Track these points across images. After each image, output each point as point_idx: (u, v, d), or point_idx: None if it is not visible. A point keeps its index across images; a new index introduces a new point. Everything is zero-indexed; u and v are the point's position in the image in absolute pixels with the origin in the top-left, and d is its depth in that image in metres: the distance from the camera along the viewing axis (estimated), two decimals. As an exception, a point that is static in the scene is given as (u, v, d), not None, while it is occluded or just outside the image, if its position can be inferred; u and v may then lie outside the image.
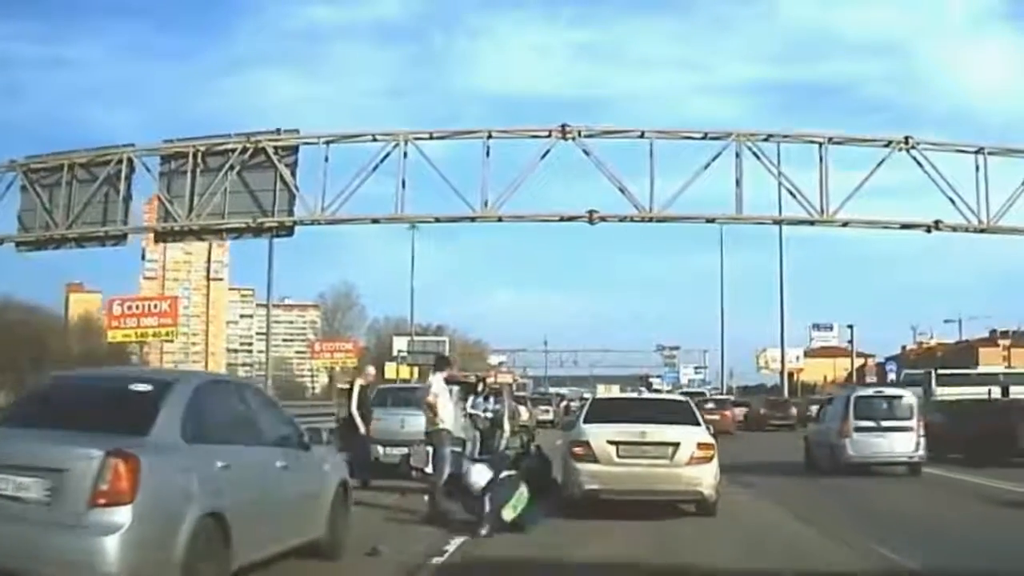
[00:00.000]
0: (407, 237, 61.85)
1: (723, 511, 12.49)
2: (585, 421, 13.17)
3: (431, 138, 24.69)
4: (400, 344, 65.48)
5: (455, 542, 10.23)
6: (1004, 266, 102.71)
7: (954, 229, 24.51)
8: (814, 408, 30.59)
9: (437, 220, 26.03)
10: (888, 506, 14.87)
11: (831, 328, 79.51)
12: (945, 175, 23.85)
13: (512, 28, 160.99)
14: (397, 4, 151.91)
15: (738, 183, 24.00)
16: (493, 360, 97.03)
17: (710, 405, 40.67)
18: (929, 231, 24.64)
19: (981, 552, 9.91)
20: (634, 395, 19.49)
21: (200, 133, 25.31)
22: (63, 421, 6.40)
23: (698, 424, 13.00)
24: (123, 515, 5.67)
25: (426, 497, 12.30)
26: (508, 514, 10.69)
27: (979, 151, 23.98)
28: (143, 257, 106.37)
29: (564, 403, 57.37)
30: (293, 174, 24.50)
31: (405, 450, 15.63)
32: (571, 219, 24.90)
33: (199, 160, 24.55)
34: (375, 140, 24.48)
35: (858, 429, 19.86)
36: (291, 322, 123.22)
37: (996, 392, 36.94)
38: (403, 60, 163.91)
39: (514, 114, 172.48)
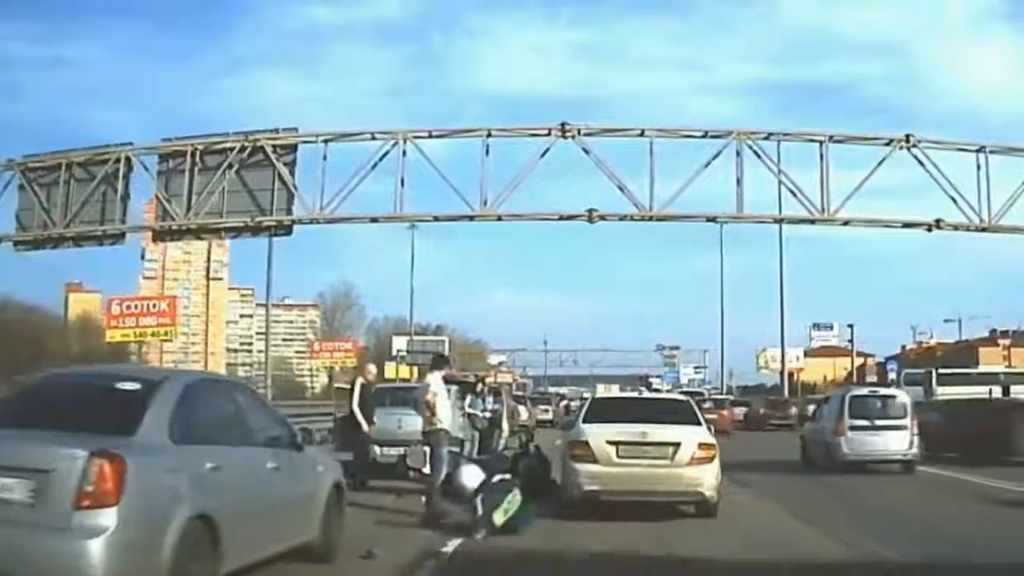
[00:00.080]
0: (407, 237, 61.87)
1: (721, 509, 12.41)
2: (584, 421, 13.02)
3: (430, 137, 24.63)
4: (399, 344, 65.39)
5: (451, 544, 10.09)
6: (1004, 266, 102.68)
7: (955, 228, 24.46)
8: (811, 408, 30.65)
9: (436, 219, 25.96)
10: (881, 503, 15.03)
11: (831, 328, 79.46)
12: (946, 174, 23.88)
13: (512, 28, 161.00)
14: (397, 4, 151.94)
15: (739, 182, 23.96)
16: (493, 360, 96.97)
17: (707, 405, 40.61)
18: (930, 230, 24.60)
19: (971, 548, 9.89)
20: (634, 395, 19.35)
21: (200, 133, 25.28)
22: (49, 420, 6.26)
23: (699, 424, 12.86)
24: (108, 517, 5.53)
25: (423, 498, 12.15)
26: (499, 518, 10.54)
27: (980, 150, 23.93)
28: (143, 257, 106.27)
29: (564, 403, 57.33)
30: (292, 173, 24.45)
31: (402, 450, 15.57)
32: (571, 218, 24.85)
33: (197, 159, 24.52)
34: (374, 139, 24.41)
35: (853, 428, 20.21)
36: (291, 322, 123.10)
37: (997, 392, 36.90)
38: (403, 60, 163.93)
39: (514, 114, 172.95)
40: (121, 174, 24.72)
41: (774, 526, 12.31)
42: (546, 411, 48.83)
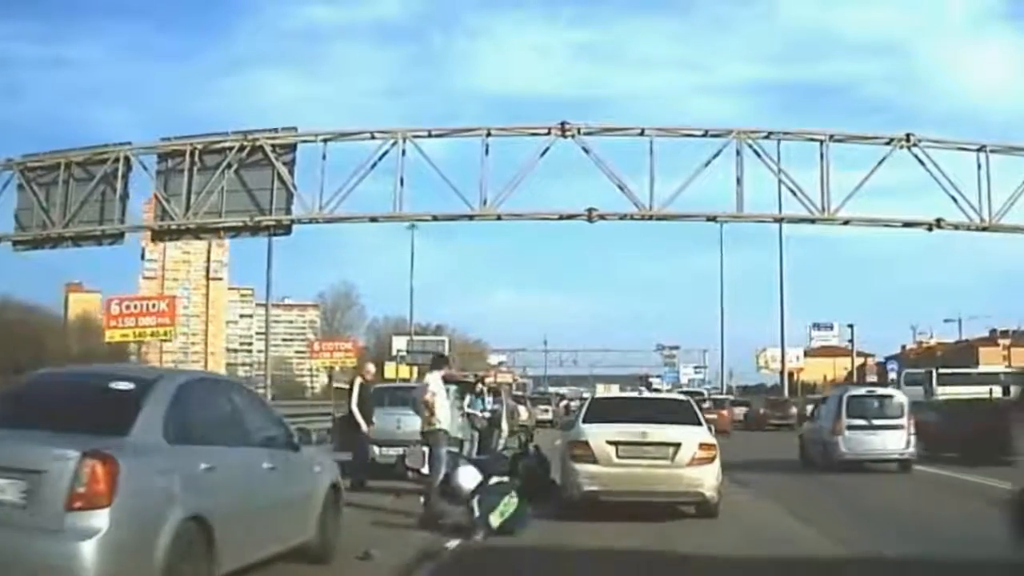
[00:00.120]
0: (407, 237, 61.81)
1: (720, 508, 12.38)
2: (584, 421, 12.94)
3: (430, 136, 24.57)
4: (399, 344, 65.33)
5: (449, 546, 10.03)
6: (1004, 266, 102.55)
7: (956, 227, 24.41)
8: (810, 408, 30.76)
9: (435, 218, 25.90)
10: (878, 501, 15.17)
11: (831, 328, 79.39)
12: (947, 173, 23.81)
13: (512, 28, 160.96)
14: (396, 4, 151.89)
15: (739, 181, 23.91)
16: (493, 360, 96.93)
17: (707, 405, 40.55)
18: (931, 229, 24.56)
19: (967, 545, 9.92)
20: (634, 394, 19.30)
21: (199, 133, 25.23)
22: (41, 420, 6.18)
23: (700, 424, 12.79)
24: (100, 519, 5.45)
25: (421, 499, 12.09)
26: (495, 520, 10.47)
27: (981, 149, 23.88)
28: (142, 257, 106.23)
29: (564, 403, 57.27)
30: (291, 172, 24.40)
31: (401, 450, 15.50)
32: (570, 217, 24.80)
33: (196, 158, 24.48)
34: (373, 138, 24.37)
35: (850, 427, 20.55)
36: (291, 322, 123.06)
37: (997, 391, 36.84)
38: (402, 60, 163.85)
39: (514, 114, 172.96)
40: (120, 174, 24.67)
41: (773, 524, 12.37)
42: (546, 411, 48.79)
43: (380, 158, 23.92)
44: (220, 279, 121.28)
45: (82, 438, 5.73)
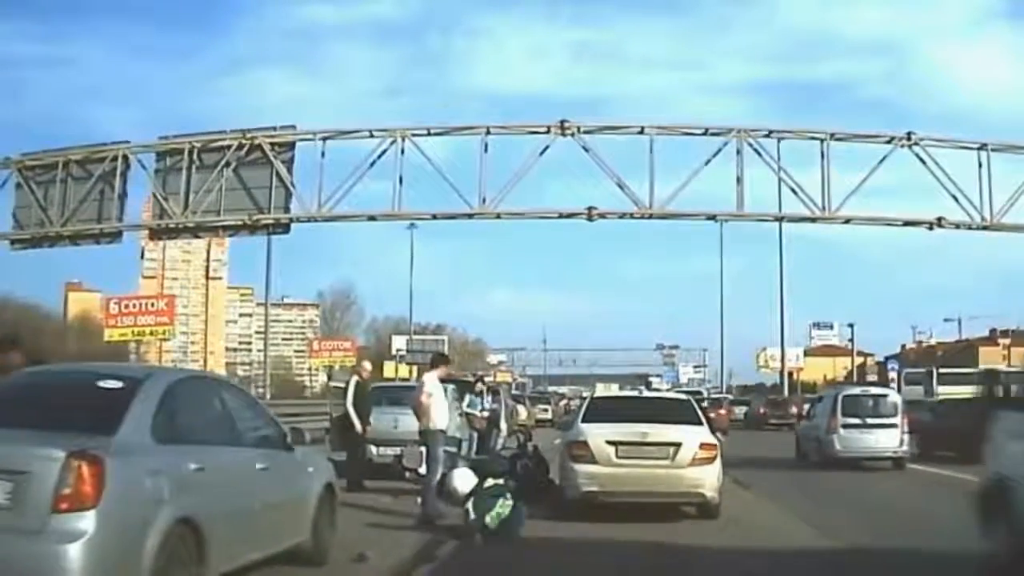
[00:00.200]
0: (406, 236, 61.67)
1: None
2: (583, 420, 12.80)
3: (429, 135, 24.48)
4: (399, 343, 65.31)
5: (446, 548, 9.91)
6: (1004, 266, 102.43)
7: (956, 226, 24.36)
8: (806, 407, 30.92)
9: (435, 217, 25.85)
10: (868, 496, 15.68)
11: (831, 327, 79.50)
12: (948, 172, 23.75)
13: (511, 28, 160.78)
14: (395, 4, 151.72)
15: (739, 180, 23.83)
16: (492, 359, 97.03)
17: (705, 404, 40.42)
18: (931, 228, 24.51)
19: (958, 540, 9.88)
20: (634, 393, 19.19)
21: (198, 132, 25.15)
22: (27, 419, 6.05)
23: (700, 424, 12.67)
24: (87, 521, 5.31)
25: (418, 499, 11.98)
26: (491, 522, 10.35)
27: (982, 147, 23.82)
28: (142, 256, 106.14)
29: (564, 402, 57.20)
30: (289, 171, 24.35)
31: (399, 450, 15.40)
32: (570, 216, 24.73)
33: (195, 157, 24.43)
34: (372, 136, 24.30)
35: (845, 426, 21.08)
36: (290, 321, 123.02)
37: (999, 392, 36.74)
38: (402, 60, 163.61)
39: (513, 114, 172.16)
40: (118, 172, 24.62)
41: (769, 519, 12.59)
42: (545, 410, 48.73)
43: (379, 157, 23.89)
44: (220, 278, 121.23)
45: (68, 437, 5.60)
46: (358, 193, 24.23)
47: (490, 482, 10.88)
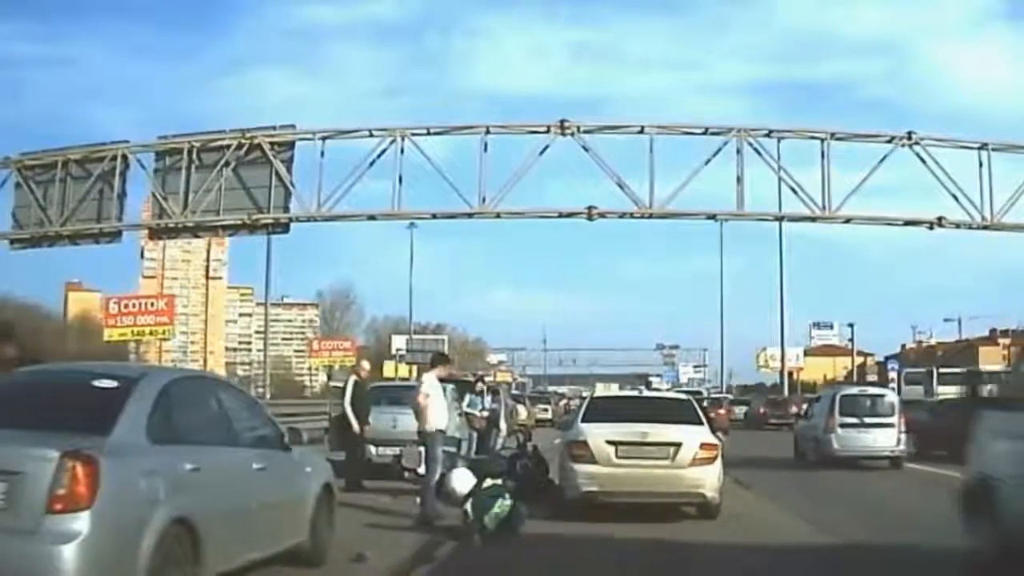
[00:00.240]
0: (406, 236, 61.63)
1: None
2: (583, 420, 12.74)
3: (428, 134, 24.44)
4: (399, 342, 65.27)
5: (444, 548, 9.86)
6: (1004, 266, 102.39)
7: (957, 226, 24.32)
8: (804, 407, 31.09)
9: (434, 216, 25.82)
10: (864, 494, 16.00)
11: (831, 327, 79.50)
12: (948, 172, 23.71)
13: (510, 28, 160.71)
14: (395, 4, 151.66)
15: (739, 180, 23.79)
16: (492, 359, 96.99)
17: (704, 404, 40.37)
18: (932, 228, 24.46)
19: (952, 536, 9.96)
20: (634, 393, 19.15)
21: (197, 131, 25.12)
22: (21, 419, 6.00)
23: (701, 423, 12.62)
24: (81, 521, 5.27)
25: (417, 499, 11.93)
26: (490, 523, 10.32)
27: (982, 147, 23.78)
28: (142, 256, 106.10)
29: (564, 402, 57.17)
30: (289, 171, 24.32)
31: (398, 450, 15.36)
32: (570, 215, 24.70)
33: (194, 157, 24.41)
34: (371, 136, 24.26)
35: (843, 425, 21.42)
36: (290, 321, 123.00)
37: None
38: (401, 60, 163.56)
39: (513, 114, 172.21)
40: (118, 172, 24.60)
41: (770, 517, 12.76)
42: (545, 410, 48.70)
43: (379, 156, 23.86)
44: (219, 278, 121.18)
45: (62, 437, 5.55)
46: (358, 193, 24.24)
47: (489, 482, 10.83)
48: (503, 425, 21.12)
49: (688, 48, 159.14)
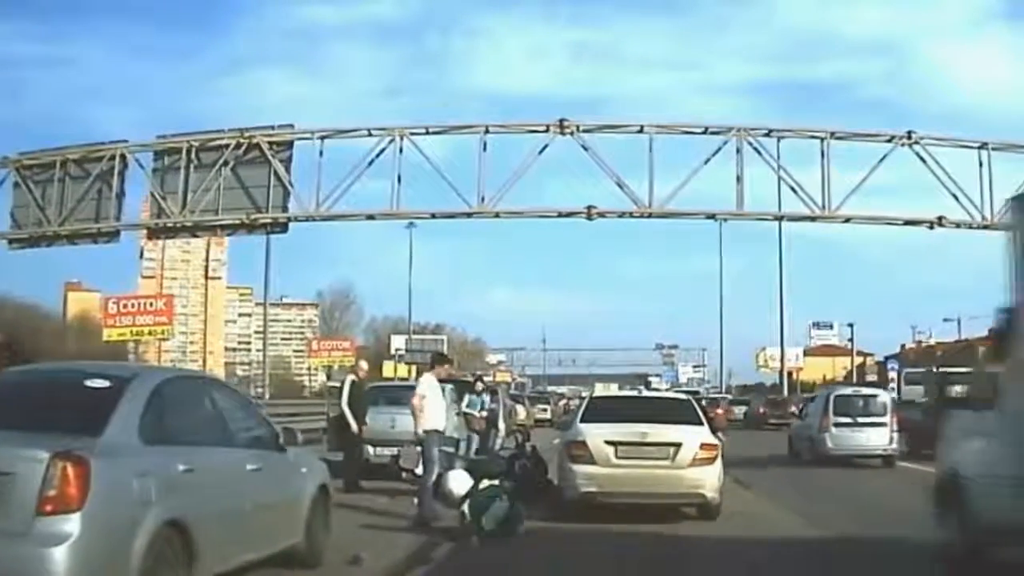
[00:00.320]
0: (405, 235, 61.53)
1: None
2: (582, 420, 12.68)
3: (427, 133, 24.43)
4: (398, 342, 65.22)
5: (441, 550, 9.79)
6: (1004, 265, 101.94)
7: (957, 226, 24.30)
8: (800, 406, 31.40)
9: (434, 216, 25.80)
10: (857, 490, 16.50)
11: (831, 327, 79.39)
12: (948, 171, 23.71)
13: (510, 28, 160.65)
14: (395, 4, 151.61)
15: (739, 179, 23.79)
16: (492, 359, 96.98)
17: (701, 404, 40.30)
18: (932, 227, 24.45)
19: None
20: (633, 393, 19.10)
21: (196, 131, 25.09)
22: (11, 420, 5.93)
23: (701, 423, 12.55)
24: (72, 523, 5.20)
25: (415, 500, 11.87)
26: (488, 524, 10.26)
27: (982, 147, 23.78)
28: (141, 256, 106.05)
29: (563, 402, 57.10)
30: (288, 170, 24.32)
31: (395, 450, 15.29)
32: (569, 215, 24.68)
33: (193, 156, 24.41)
34: (370, 135, 24.24)
35: (837, 424, 22.07)
36: (289, 321, 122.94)
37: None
38: (401, 60, 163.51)
39: (513, 115, 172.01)
40: (116, 172, 24.61)
41: (767, 513, 13.07)
42: (544, 410, 48.64)
43: (377, 156, 23.86)
44: (219, 278, 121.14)
45: (53, 438, 5.48)
46: (356, 192, 24.26)
47: (486, 483, 10.77)
48: (502, 425, 21.04)
49: (688, 48, 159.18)
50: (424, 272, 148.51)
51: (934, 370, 39.94)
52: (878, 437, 21.69)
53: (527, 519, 10.71)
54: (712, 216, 26.23)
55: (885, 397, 23.54)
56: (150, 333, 32.10)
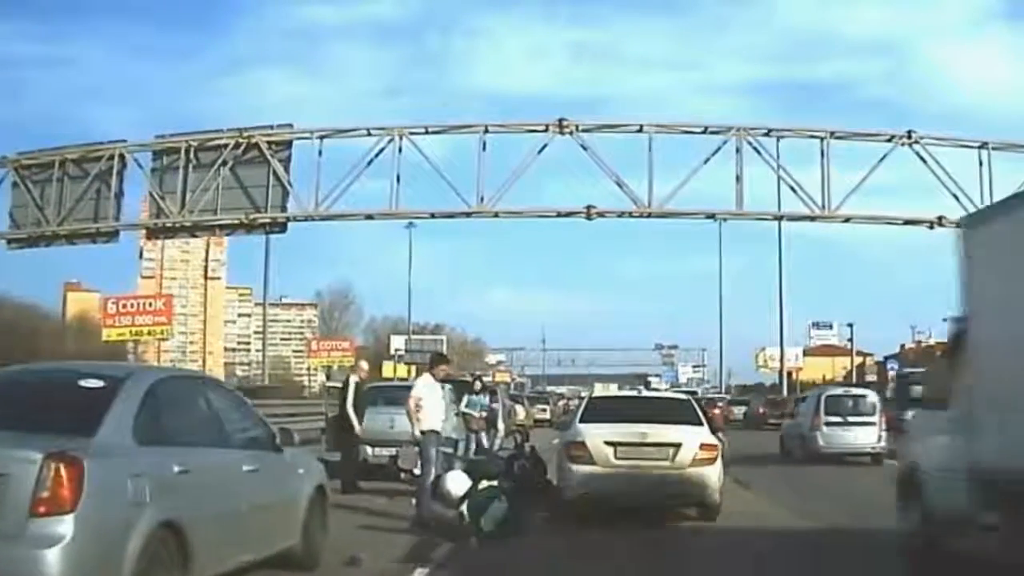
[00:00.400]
0: (404, 235, 61.54)
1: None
2: (581, 420, 12.59)
3: (427, 133, 24.39)
4: (397, 342, 65.15)
5: (440, 550, 9.74)
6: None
7: (957, 225, 24.19)
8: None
9: (433, 216, 25.76)
10: (850, 488, 16.90)
11: (831, 327, 79.31)
12: (948, 171, 23.69)
13: (510, 28, 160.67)
14: (396, 4, 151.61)
15: (738, 179, 23.77)
16: (491, 359, 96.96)
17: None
18: (932, 227, 24.42)
19: None
20: (633, 393, 19.04)
21: (195, 130, 25.05)
22: (4, 420, 5.86)
23: (701, 424, 12.47)
24: (65, 525, 5.14)
25: (413, 501, 11.82)
26: (486, 524, 10.21)
27: (982, 146, 23.77)
28: (140, 256, 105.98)
29: (563, 402, 57.04)
30: (287, 170, 24.29)
31: (394, 451, 15.24)
32: (569, 215, 24.64)
33: (192, 156, 24.38)
34: (370, 135, 24.21)
35: (827, 424, 22.86)
36: (288, 321, 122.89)
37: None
38: (401, 60, 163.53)
39: (512, 115, 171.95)
40: (115, 171, 24.58)
41: (763, 510, 13.41)
42: (543, 410, 48.59)
43: (376, 155, 23.82)
44: (218, 278, 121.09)
45: (46, 439, 5.42)
46: (355, 192, 24.23)
47: (484, 484, 10.73)
48: (501, 425, 21.03)
49: (688, 48, 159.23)
50: (423, 272, 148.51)
51: (902, 372, 40.51)
52: (867, 436, 22.46)
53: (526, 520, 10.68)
54: (712, 216, 26.21)
55: (874, 397, 24.12)
56: (149, 333, 32.09)
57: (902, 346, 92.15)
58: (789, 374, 67.17)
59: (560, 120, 23.55)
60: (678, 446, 11.72)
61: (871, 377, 69.20)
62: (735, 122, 24.46)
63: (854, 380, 65.23)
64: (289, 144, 24.44)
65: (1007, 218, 7.44)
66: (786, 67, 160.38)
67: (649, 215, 23.98)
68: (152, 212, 25.67)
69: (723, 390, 72.66)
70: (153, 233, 27.76)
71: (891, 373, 62.81)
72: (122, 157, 24.66)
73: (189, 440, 6.65)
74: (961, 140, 24.54)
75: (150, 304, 32.79)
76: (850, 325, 71.83)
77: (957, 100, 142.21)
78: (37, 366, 8.63)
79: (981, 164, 23.60)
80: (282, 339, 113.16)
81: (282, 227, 25.16)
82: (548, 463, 13.83)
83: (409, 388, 12.77)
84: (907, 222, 25.27)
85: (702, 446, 11.84)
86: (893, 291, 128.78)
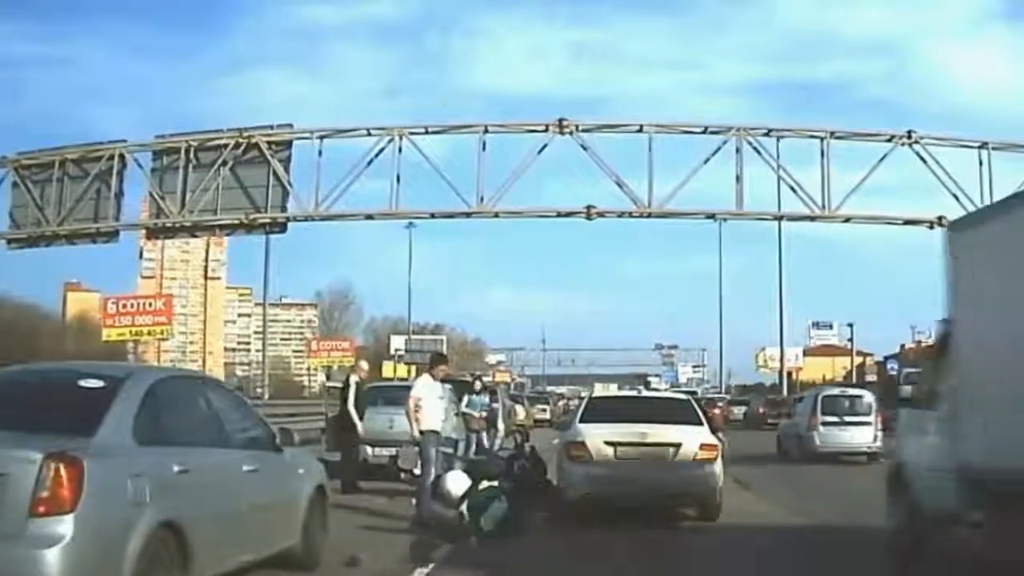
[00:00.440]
0: (404, 235, 61.52)
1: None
2: (581, 420, 12.58)
3: (427, 133, 24.37)
4: (397, 343, 65.13)
5: (440, 551, 9.73)
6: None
7: (943, 227, 24.25)
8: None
9: (433, 216, 25.75)
10: (846, 487, 17.08)
11: (831, 327, 79.26)
12: (948, 171, 23.67)
13: (510, 28, 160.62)
14: (396, 4, 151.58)
15: (738, 179, 23.74)
16: (491, 359, 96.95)
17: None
18: (932, 227, 24.37)
19: None
20: (632, 393, 19.03)
21: (195, 130, 25.05)
22: (3, 420, 5.86)
23: (700, 424, 12.47)
24: (65, 525, 5.13)
25: (413, 501, 11.81)
26: (486, 524, 10.20)
27: (983, 146, 23.75)
28: (140, 256, 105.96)
29: (563, 402, 57.04)
30: (287, 170, 24.27)
31: (394, 451, 15.25)
32: (569, 215, 24.63)
33: (191, 156, 24.36)
34: (369, 135, 24.20)
35: (824, 423, 23.21)
36: (288, 321, 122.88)
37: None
38: (402, 60, 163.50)
39: (512, 115, 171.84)
40: (115, 171, 24.56)
41: (763, 512, 13.36)
42: (543, 410, 48.59)
43: (376, 155, 23.80)
44: (218, 278, 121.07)
45: (46, 439, 5.42)
46: (355, 192, 24.20)
47: (484, 484, 10.72)
48: (501, 425, 21.04)
49: (688, 48, 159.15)
50: (423, 272, 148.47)
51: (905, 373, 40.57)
52: (863, 435, 22.81)
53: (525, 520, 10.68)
54: (712, 216, 26.20)
55: (870, 397, 24.37)
56: (149, 333, 32.15)
57: (902, 346, 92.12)
58: (789, 374, 67.16)
59: (560, 120, 23.54)
60: (678, 446, 11.73)
61: (871, 377, 69.27)
62: (735, 122, 24.46)
63: (854, 380, 65.27)
64: (289, 144, 24.43)
65: (990, 223, 7.59)
66: (786, 67, 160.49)
67: (649, 215, 23.97)
68: (152, 212, 25.65)
69: (723, 390, 72.63)
70: (153, 233, 27.74)
71: (891, 373, 62.86)
72: (122, 157, 24.64)
73: (189, 440, 6.65)
74: (961, 140, 24.53)
75: (150, 304, 32.84)
76: (850, 325, 71.88)
77: (957, 100, 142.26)
78: (37, 366, 8.61)
79: (981, 164, 23.60)
80: (282, 339, 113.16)
81: (282, 227, 25.15)
82: (548, 463, 13.83)
83: (409, 388, 12.77)
84: (907, 222, 25.24)
85: (702, 446, 11.84)
86: (893, 291, 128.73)
